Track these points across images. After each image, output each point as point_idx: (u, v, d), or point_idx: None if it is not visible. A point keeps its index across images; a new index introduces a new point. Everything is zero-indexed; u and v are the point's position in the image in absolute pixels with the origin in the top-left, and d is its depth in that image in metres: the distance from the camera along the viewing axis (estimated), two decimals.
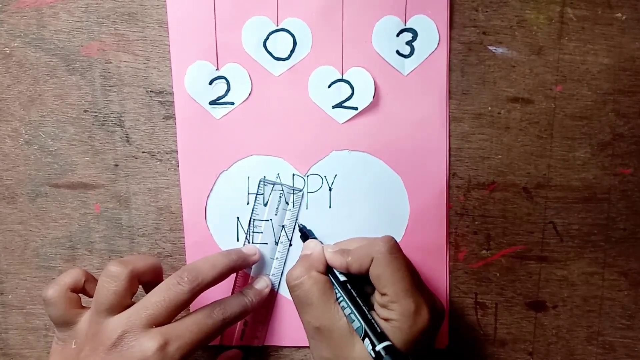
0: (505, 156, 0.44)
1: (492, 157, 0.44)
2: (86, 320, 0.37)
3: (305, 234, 0.43)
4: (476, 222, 0.44)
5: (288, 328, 0.45)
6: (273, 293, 0.44)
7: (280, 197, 0.43)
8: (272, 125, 0.43)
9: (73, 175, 0.44)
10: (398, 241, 0.44)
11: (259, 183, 0.43)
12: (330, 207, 0.44)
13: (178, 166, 0.44)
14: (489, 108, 0.43)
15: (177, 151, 0.43)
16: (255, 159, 0.44)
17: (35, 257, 0.45)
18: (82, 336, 0.37)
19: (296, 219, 0.44)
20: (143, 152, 0.44)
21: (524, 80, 0.43)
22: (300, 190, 0.44)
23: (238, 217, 0.44)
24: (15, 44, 0.43)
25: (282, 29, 0.42)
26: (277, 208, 0.44)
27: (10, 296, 0.45)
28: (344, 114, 0.43)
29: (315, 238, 0.43)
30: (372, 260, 0.36)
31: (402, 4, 0.42)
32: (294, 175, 0.44)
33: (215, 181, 0.44)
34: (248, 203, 0.44)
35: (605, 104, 0.43)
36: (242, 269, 0.43)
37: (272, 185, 0.43)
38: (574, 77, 0.43)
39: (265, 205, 0.43)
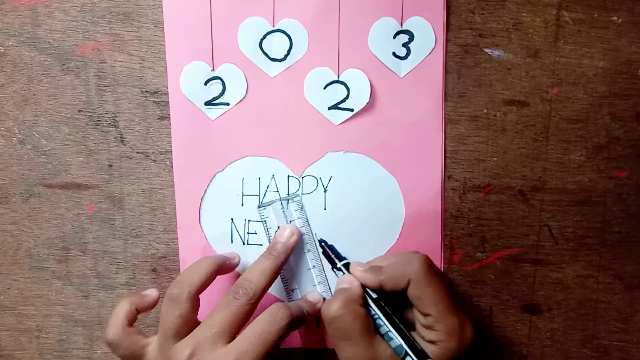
0: (501, 159, 0.44)
1: (487, 159, 0.44)
2: (154, 349, 0.38)
3: (328, 252, 0.42)
4: (471, 225, 0.44)
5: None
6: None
7: (283, 211, 0.43)
8: (268, 126, 0.43)
9: (67, 176, 0.44)
10: (393, 243, 0.44)
11: (258, 209, 0.43)
12: (325, 208, 0.44)
13: (172, 167, 0.43)
14: (485, 110, 0.43)
15: (171, 152, 0.43)
16: (250, 160, 0.43)
17: (28, 258, 0.45)
18: None
19: (313, 234, 0.43)
20: (137, 153, 0.44)
21: (520, 83, 0.43)
22: (297, 195, 0.43)
23: (232, 219, 0.44)
24: (10, 43, 0.43)
25: (278, 30, 0.42)
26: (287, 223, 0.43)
27: (2, 297, 0.45)
28: (339, 116, 0.43)
29: (338, 252, 0.42)
30: (408, 281, 0.35)
31: (399, 6, 0.42)
32: (288, 176, 0.44)
33: (210, 182, 0.43)
34: (242, 204, 0.44)
35: (601, 107, 0.43)
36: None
37: (269, 205, 0.43)
38: (569, 80, 0.43)
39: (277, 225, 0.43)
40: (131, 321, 0.38)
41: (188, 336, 0.37)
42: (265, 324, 0.36)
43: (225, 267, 0.41)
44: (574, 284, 0.45)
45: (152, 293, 0.41)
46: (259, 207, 0.43)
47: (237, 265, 0.42)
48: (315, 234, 0.43)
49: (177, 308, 0.37)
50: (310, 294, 0.42)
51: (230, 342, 0.36)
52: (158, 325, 0.38)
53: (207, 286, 0.39)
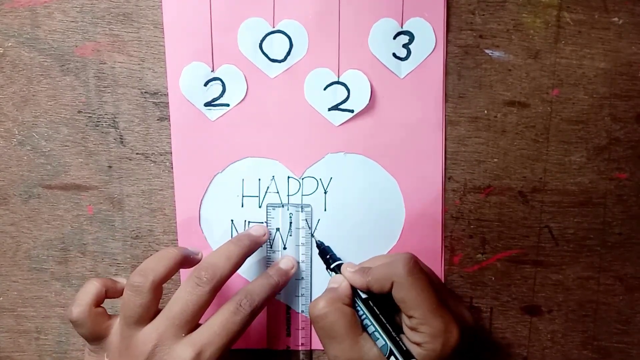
0: (501, 160, 0.44)
1: (488, 160, 0.44)
2: (116, 333, 0.37)
3: (324, 251, 0.42)
4: (472, 226, 0.44)
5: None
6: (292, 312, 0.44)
7: (290, 217, 0.43)
8: (268, 127, 0.43)
9: (66, 177, 0.44)
10: (393, 245, 0.44)
11: (267, 209, 0.43)
12: (325, 210, 0.44)
13: (172, 168, 0.43)
14: (485, 112, 0.43)
15: (171, 153, 0.43)
16: (250, 161, 0.43)
17: (27, 259, 0.45)
18: (115, 349, 0.37)
19: (312, 234, 0.44)
20: (137, 154, 0.44)
21: (521, 84, 0.43)
22: (309, 206, 0.43)
23: (232, 220, 0.44)
24: (9, 44, 0.43)
25: (278, 31, 0.42)
26: (289, 230, 0.43)
27: (1, 298, 0.45)
28: (339, 117, 0.43)
29: (333, 254, 0.42)
30: (392, 284, 0.35)
31: (399, 7, 0.42)
32: (289, 177, 0.43)
33: (210, 183, 0.43)
34: (242, 206, 0.44)
35: (602, 108, 0.43)
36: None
37: (280, 208, 0.43)
38: (570, 81, 0.43)
39: (277, 230, 0.43)
40: (98, 302, 0.38)
41: (149, 325, 0.36)
42: (228, 314, 0.36)
43: (188, 261, 0.40)
44: (575, 286, 0.45)
45: (122, 280, 0.39)
46: (268, 205, 0.43)
47: (199, 261, 0.41)
48: (314, 236, 0.44)
49: (139, 297, 0.36)
50: (282, 260, 0.42)
51: (192, 330, 0.36)
52: None
53: (170, 277, 0.38)
